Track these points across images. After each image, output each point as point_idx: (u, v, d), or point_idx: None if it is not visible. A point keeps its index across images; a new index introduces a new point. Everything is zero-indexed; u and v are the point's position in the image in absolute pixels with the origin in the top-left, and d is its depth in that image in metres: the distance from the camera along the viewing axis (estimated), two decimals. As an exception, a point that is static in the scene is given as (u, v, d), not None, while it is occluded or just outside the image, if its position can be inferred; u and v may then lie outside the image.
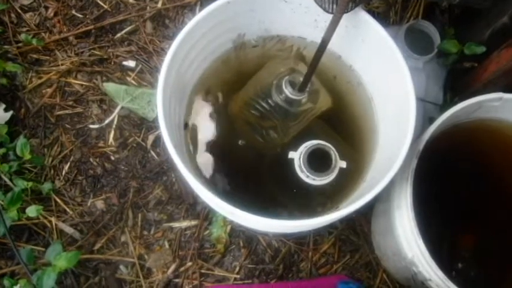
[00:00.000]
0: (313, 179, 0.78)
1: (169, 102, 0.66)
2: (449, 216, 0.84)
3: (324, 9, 0.69)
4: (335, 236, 1.12)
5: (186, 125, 0.82)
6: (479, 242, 0.89)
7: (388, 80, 0.71)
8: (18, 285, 0.98)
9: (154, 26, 1.28)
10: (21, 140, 1.05)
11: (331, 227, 1.12)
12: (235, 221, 0.72)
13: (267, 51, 0.83)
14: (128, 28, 1.27)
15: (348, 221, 1.13)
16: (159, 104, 0.63)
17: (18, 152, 1.04)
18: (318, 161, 0.79)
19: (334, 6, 0.69)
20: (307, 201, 0.82)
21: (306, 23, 0.75)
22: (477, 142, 0.82)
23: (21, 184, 1.03)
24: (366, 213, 1.11)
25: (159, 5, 1.28)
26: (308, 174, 0.78)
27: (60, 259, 0.97)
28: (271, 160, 0.85)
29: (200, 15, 0.65)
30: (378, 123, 0.79)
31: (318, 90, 0.86)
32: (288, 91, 0.81)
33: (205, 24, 0.67)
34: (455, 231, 0.86)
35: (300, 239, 1.12)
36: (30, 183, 1.04)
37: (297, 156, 0.79)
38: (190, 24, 0.65)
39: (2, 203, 1.01)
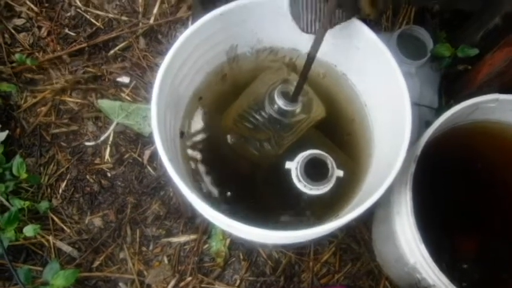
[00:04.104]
0: (310, 189, 0.77)
1: (164, 116, 0.65)
2: (450, 219, 0.84)
3: (302, 30, 0.69)
4: (335, 245, 1.11)
5: (182, 134, 0.82)
6: (481, 245, 0.88)
7: (382, 86, 0.71)
8: (17, 306, 0.97)
9: (147, 41, 1.28)
10: (17, 160, 1.05)
11: (331, 236, 1.11)
12: (234, 233, 0.72)
13: (260, 62, 0.83)
14: (121, 45, 1.28)
15: (348, 229, 1.12)
16: (154, 118, 0.63)
17: (14, 171, 1.04)
18: (315, 170, 0.78)
19: (315, 26, 0.69)
20: (305, 211, 0.82)
21: (298, 33, 0.74)
22: (475, 144, 0.82)
23: (18, 204, 1.03)
24: (366, 220, 1.11)
25: (151, 20, 1.29)
26: (305, 183, 0.77)
27: (57, 278, 0.96)
28: (268, 170, 0.85)
29: (193, 27, 0.65)
30: (373, 129, 0.79)
31: (311, 100, 0.86)
32: (280, 102, 0.80)
33: (198, 36, 0.67)
34: (456, 234, 0.85)
35: (300, 250, 1.11)
36: (27, 203, 1.03)
37: (294, 166, 0.79)
38: (183, 37, 0.65)
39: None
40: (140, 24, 1.29)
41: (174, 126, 0.74)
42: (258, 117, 0.84)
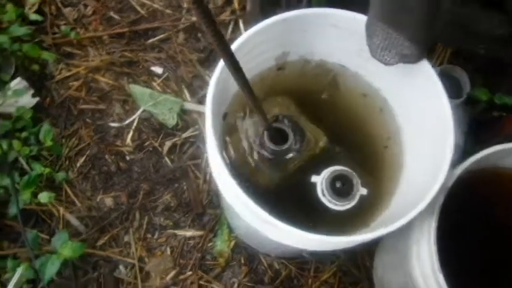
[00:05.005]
0: (335, 204, 0.79)
1: (213, 105, 0.67)
2: (469, 260, 0.84)
3: (370, 52, 0.71)
4: (337, 266, 1.12)
5: (225, 115, 0.83)
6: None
7: (424, 114, 0.73)
8: (21, 268, 0.97)
9: (186, 37, 1.31)
10: (45, 126, 1.06)
11: (334, 256, 1.13)
12: (258, 228, 0.73)
13: (306, 72, 0.85)
14: (161, 36, 1.30)
15: (351, 254, 1.13)
16: (209, 103, 0.65)
17: (41, 137, 1.06)
18: (339, 186, 0.80)
19: (381, 53, 0.71)
20: (327, 224, 0.83)
21: (350, 51, 0.77)
22: (504, 189, 0.83)
23: (38, 169, 1.04)
24: (369, 248, 1.12)
25: (194, 17, 1.32)
26: (330, 198, 0.79)
27: (66, 248, 0.97)
28: (294, 182, 0.86)
29: (257, 27, 0.68)
30: (405, 154, 0.81)
31: (303, 136, 0.86)
32: (268, 143, 0.80)
33: (258, 37, 0.69)
34: (476, 276, 0.85)
35: (301, 264, 1.12)
36: (48, 169, 1.05)
37: (319, 180, 0.81)
38: (246, 34, 0.67)
39: (17, 186, 1.02)
40: (183, 19, 1.32)
41: (217, 115, 0.76)
42: (253, 155, 0.85)
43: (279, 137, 0.82)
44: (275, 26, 0.70)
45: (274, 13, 0.72)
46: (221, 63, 0.68)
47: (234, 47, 0.68)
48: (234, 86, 0.81)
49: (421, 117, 0.77)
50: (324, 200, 0.80)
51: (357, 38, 0.73)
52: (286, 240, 0.70)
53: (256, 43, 0.72)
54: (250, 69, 0.81)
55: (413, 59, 0.69)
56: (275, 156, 0.85)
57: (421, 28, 0.64)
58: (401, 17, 0.66)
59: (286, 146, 0.83)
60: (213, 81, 0.67)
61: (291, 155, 0.85)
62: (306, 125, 0.87)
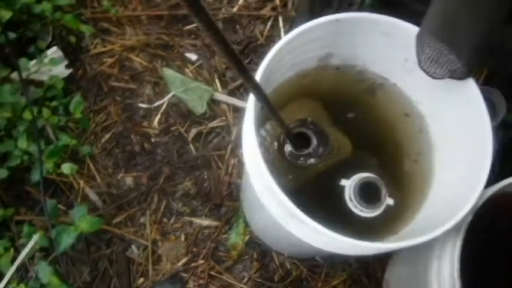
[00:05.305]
0: (361, 210, 0.78)
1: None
2: (494, 282, 0.83)
3: (418, 62, 0.70)
4: (347, 274, 1.12)
5: (262, 107, 0.83)
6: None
7: (461, 133, 0.72)
8: (37, 235, 0.98)
9: (224, 28, 1.31)
10: (76, 98, 1.07)
11: (345, 264, 1.12)
12: (287, 227, 0.72)
13: (346, 76, 0.84)
14: (199, 23, 1.30)
15: (362, 263, 1.13)
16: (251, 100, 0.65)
17: (71, 108, 1.06)
18: (365, 193, 0.80)
19: (430, 65, 0.70)
20: (350, 229, 0.83)
21: (394, 60, 0.76)
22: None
23: (65, 139, 1.04)
24: (381, 259, 1.12)
25: (235, 9, 1.32)
26: (357, 204, 0.78)
27: (84, 221, 0.97)
28: (317, 186, 0.86)
29: (310, 24, 0.67)
30: (435, 170, 0.80)
31: (328, 141, 0.84)
32: (290, 146, 0.81)
33: (308, 35, 0.69)
34: None
35: (313, 267, 1.12)
36: (74, 141, 1.05)
37: (348, 184, 0.81)
38: (299, 29, 0.67)
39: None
40: (223, 9, 1.32)
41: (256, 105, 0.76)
42: (278, 155, 0.85)
43: (302, 141, 0.82)
44: (326, 25, 0.70)
45: (322, 14, 0.72)
46: (273, 51, 0.68)
47: (284, 41, 0.68)
48: (275, 81, 0.81)
49: (457, 136, 0.76)
50: (350, 205, 0.80)
51: (405, 48, 0.72)
52: (308, 239, 0.70)
53: (305, 40, 0.72)
54: (291, 67, 0.80)
55: (461, 76, 0.68)
56: (297, 160, 0.85)
57: (474, 46, 0.63)
58: (455, 33, 0.65)
59: (308, 151, 0.83)
60: (262, 66, 0.67)
61: (313, 160, 0.85)
62: (331, 131, 0.86)
